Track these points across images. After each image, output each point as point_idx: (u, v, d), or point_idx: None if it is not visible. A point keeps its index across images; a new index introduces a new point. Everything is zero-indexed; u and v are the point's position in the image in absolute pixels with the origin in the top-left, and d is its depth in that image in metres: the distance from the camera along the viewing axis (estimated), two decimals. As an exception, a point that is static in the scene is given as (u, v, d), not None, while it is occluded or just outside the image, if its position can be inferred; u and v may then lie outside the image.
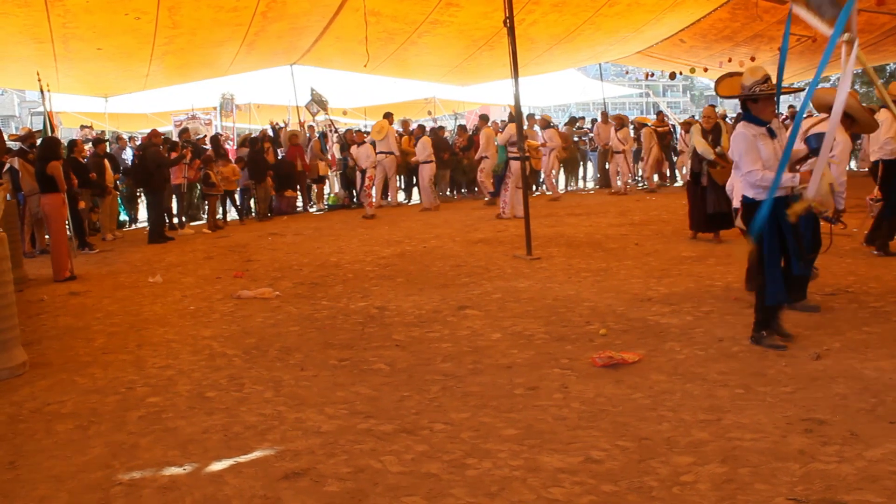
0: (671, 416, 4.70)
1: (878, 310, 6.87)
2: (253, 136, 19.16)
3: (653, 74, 24.53)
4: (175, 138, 18.51)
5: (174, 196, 16.46)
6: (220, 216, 16.61)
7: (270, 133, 19.46)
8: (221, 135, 19.10)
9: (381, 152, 17.42)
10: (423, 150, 17.47)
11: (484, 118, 19.27)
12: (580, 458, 4.15)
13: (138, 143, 19.48)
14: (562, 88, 26.59)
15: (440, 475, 4.04)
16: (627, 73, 33.63)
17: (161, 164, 14.47)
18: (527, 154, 13.42)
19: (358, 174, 17.25)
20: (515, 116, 10.87)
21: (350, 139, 17.78)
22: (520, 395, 5.22)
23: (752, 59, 19.96)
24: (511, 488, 3.86)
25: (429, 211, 16.63)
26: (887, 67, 32.00)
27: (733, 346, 5.98)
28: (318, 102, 17.21)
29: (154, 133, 15.58)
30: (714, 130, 10.75)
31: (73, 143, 14.56)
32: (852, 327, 6.32)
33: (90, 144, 15.86)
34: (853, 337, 6.04)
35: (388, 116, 18.01)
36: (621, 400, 5.00)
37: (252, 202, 17.46)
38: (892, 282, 7.81)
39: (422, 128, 20.56)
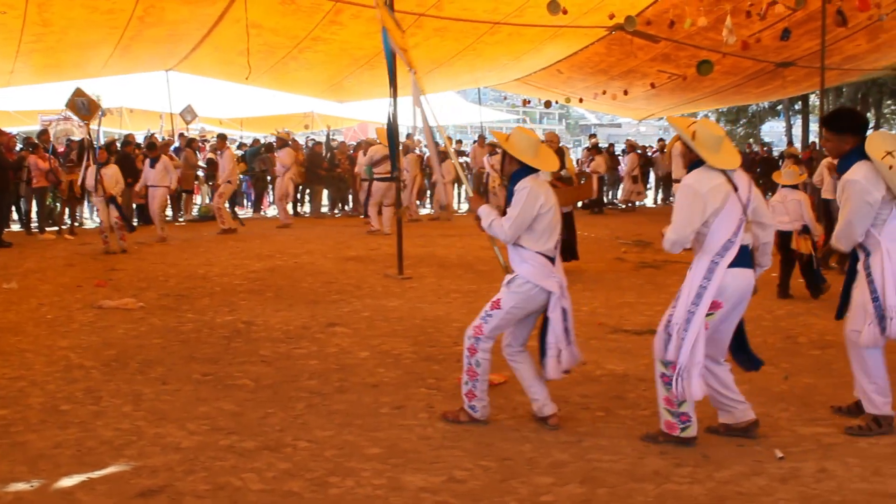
0: (533, 437, 4.81)
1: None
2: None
3: (529, 101, 25.08)
4: (36, 140, 17.71)
5: (35, 199, 15.77)
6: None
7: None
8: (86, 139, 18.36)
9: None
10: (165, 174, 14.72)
11: (222, 137, 17.17)
12: (443, 478, 4.20)
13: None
14: (440, 110, 26.80)
15: (302, 494, 4.02)
16: (506, 98, 34.27)
17: (1, 166, 13.80)
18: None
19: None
20: (391, 137, 10.89)
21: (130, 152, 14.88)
22: (385, 413, 5.25)
23: (626, 92, 20.68)
24: (372, 507, 3.87)
25: (164, 241, 14.16)
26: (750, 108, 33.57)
27: (596, 370, 6.16)
28: (79, 108, 13.17)
29: None
30: (557, 154, 10.73)
31: None
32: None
33: None
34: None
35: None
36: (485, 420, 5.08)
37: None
38: (747, 312, 8.19)
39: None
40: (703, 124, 4.79)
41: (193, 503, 3.91)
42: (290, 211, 19.11)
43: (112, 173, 13.07)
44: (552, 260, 4.89)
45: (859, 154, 4.79)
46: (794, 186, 9.12)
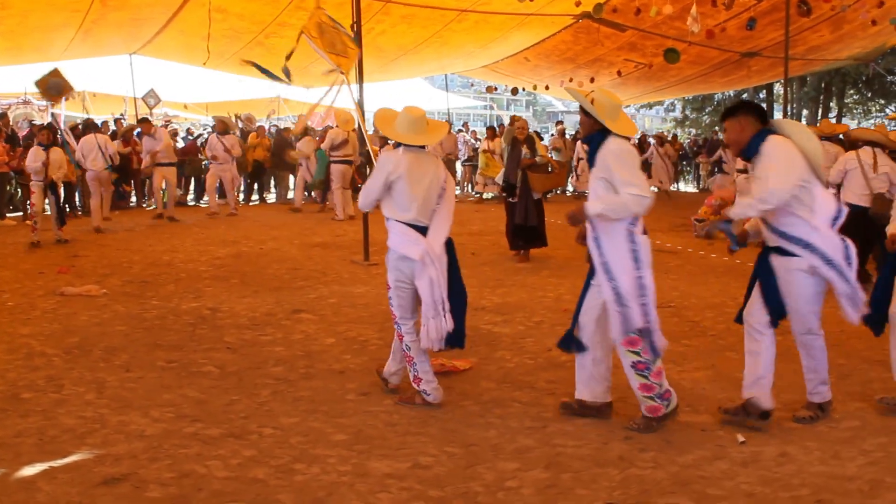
0: (499, 422, 4.84)
1: (696, 324, 7.29)
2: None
3: (496, 88, 25.06)
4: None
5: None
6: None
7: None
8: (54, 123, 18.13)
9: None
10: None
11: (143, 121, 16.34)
12: (408, 464, 4.21)
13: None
14: (407, 96, 26.74)
15: (267, 480, 4.01)
16: (472, 85, 34.22)
17: None
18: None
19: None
20: (358, 122, 10.90)
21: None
22: (351, 400, 5.25)
23: (592, 79, 20.72)
24: (338, 494, 3.87)
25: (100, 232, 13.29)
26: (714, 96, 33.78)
27: (562, 356, 6.16)
28: (50, 87, 12.86)
29: None
30: (528, 141, 10.64)
31: None
32: (672, 340, 6.65)
33: None
34: (673, 349, 6.34)
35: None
36: (451, 406, 5.09)
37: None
38: (710, 298, 8.30)
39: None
40: (601, 92, 4.91)
41: (157, 491, 3.89)
42: (247, 198, 19.24)
43: (56, 157, 12.03)
44: (423, 230, 4.92)
45: (769, 132, 4.63)
46: None
